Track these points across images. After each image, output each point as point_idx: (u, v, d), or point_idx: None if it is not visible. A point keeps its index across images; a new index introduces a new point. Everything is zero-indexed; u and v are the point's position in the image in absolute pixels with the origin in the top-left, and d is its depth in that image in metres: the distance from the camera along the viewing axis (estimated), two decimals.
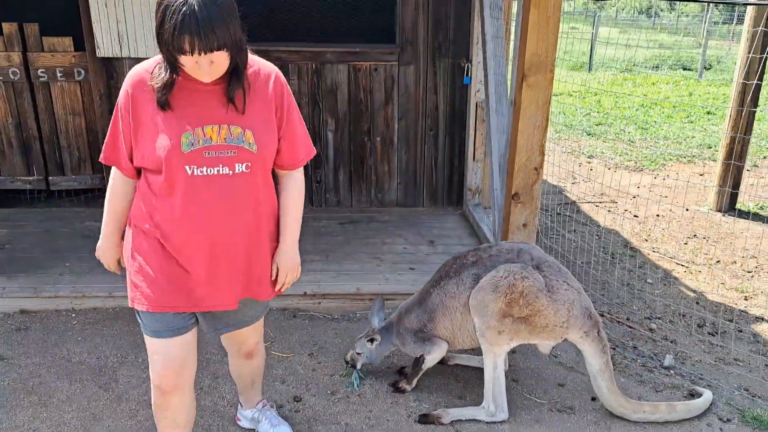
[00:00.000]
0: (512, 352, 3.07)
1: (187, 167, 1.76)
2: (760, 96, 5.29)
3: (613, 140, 8.36)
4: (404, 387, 2.75)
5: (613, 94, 11.85)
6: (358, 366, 2.79)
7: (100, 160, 1.92)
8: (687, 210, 5.38)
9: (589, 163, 7.03)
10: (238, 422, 2.53)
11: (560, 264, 2.65)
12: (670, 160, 7.18)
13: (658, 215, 5.24)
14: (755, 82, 4.96)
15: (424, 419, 2.57)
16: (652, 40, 21.16)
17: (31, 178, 4.62)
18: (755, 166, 6.97)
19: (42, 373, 2.84)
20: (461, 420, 2.56)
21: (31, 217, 4.43)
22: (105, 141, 1.90)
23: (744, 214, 5.27)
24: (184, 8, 1.55)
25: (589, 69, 17.11)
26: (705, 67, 16.31)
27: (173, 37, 1.58)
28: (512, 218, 3.43)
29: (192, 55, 1.60)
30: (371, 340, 2.73)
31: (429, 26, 4.36)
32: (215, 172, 1.79)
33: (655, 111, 10.72)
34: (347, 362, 2.80)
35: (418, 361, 2.70)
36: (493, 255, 2.62)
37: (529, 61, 3.15)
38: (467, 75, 4.39)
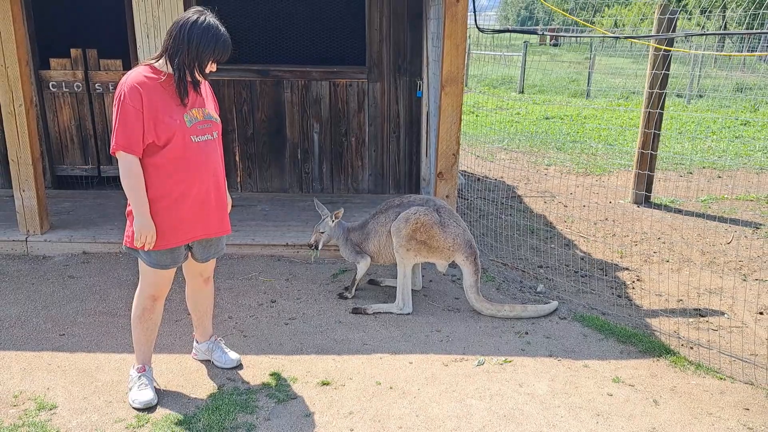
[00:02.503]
0: (429, 280, 4.32)
1: (192, 137, 2.64)
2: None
3: (579, 153, 9.57)
4: (346, 295, 4.02)
5: (599, 118, 13.06)
6: (320, 246, 3.98)
7: (120, 149, 2.52)
8: (610, 203, 6.58)
9: (546, 169, 8.26)
10: (194, 357, 3.24)
11: (454, 211, 3.92)
12: (619, 168, 8.37)
13: (584, 205, 6.44)
14: (658, 89, 6.17)
15: (355, 310, 3.82)
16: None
17: (86, 166, 6.02)
18: (689, 173, 8.14)
19: (101, 285, 4.15)
20: (380, 312, 3.81)
21: (87, 195, 5.82)
22: (117, 134, 2.50)
23: (656, 206, 6.44)
24: (225, 32, 2.59)
25: (587, 96, 18.18)
26: (699, 95, 17.26)
27: (225, 51, 2.57)
28: (438, 191, 4.69)
29: (222, 60, 2.68)
30: (333, 219, 3.93)
31: (391, 52, 5.70)
32: (206, 138, 2.71)
33: (631, 132, 11.85)
34: (311, 245, 3.99)
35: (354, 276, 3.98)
36: (411, 201, 3.90)
37: (446, 76, 4.44)
38: (419, 90, 5.70)
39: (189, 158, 2.68)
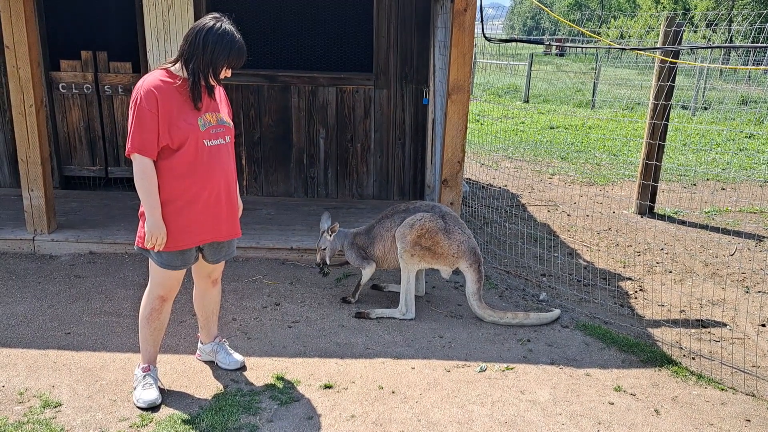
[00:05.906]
0: (432, 287, 4.34)
1: (205, 140, 2.69)
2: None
3: (583, 163, 9.59)
4: (350, 299, 4.04)
5: (603, 128, 13.07)
6: (328, 261, 3.95)
7: (135, 151, 2.58)
8: (614, 213, 6.59)
9: (551, 178, 8.28)
10: (198, 358, 3.29)
11: (459, 218, 3.95)
12: (623, 178, 8.39)
13: (587, 215, 6.46)
14: (662, 102, 6.20)
15: (359, 315, 3.84)
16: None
17: (94, 167, 6.07)
18: (693, 184, 8.15)
19: (107, 285, 4.19)
20: (383, 317, 3.83)
21: (94, 196, 5.86)
22: (132, 137, 2.56)
23: (660, 217, 6.45)
24: (240, 39, 2.65)
25: (592, 106, 18.16)
26: (704, 108, 17.21)
27: (239, 58, 2.64)
28: (443, 198, 4.72)
29: (236, 67, 2.72)
30: (330, 233, 3.91)
31: (398, 59, 5.74)
32: (219, 142, 2.75)
33: (636, 143, 11.85)
34: (318, 264, 3.96)
35: (358, 281, 4.00)
36: (417, 206, 3.92)
37: (452, 84, 4.47)
38: (426, 97, 5.74)
39: (201, 161, 2.72)
